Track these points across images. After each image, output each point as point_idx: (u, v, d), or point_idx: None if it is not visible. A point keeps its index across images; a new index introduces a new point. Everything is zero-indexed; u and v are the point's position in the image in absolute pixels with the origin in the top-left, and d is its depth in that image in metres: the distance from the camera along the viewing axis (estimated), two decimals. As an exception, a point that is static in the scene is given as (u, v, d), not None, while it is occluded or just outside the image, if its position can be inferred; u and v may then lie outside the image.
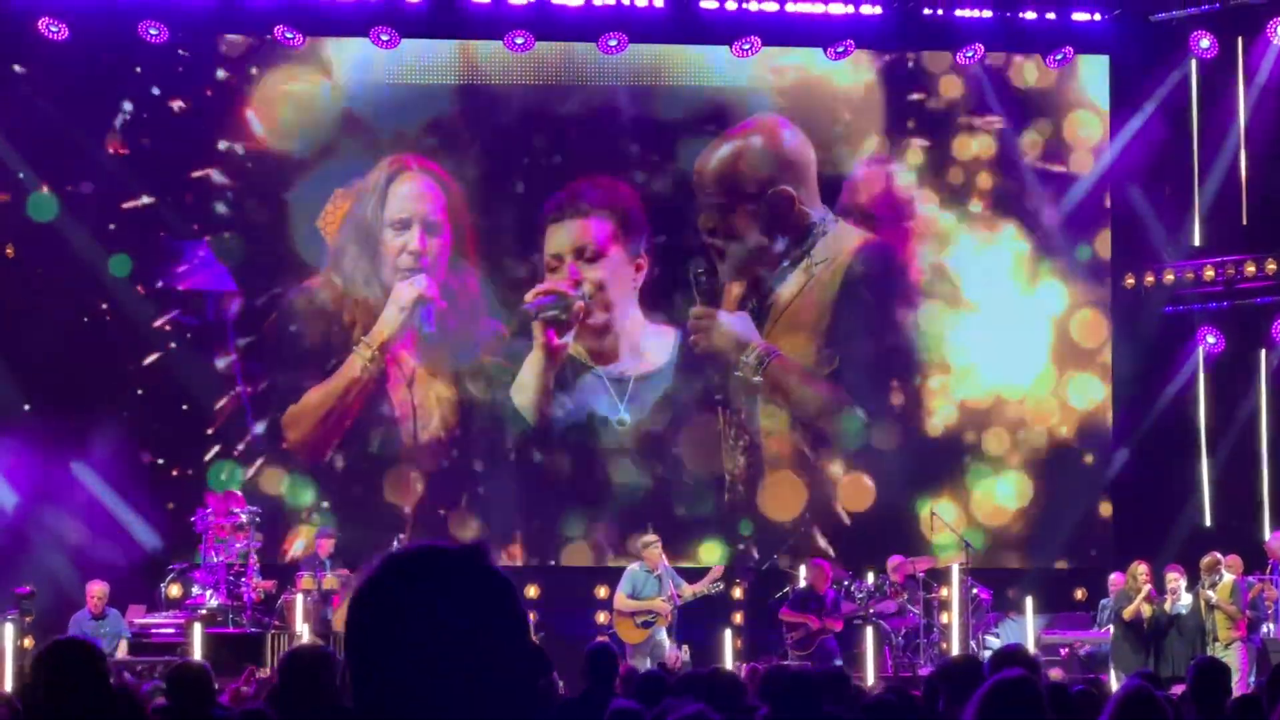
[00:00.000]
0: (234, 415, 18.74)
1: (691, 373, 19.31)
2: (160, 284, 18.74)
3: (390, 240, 19.01)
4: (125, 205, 18.56)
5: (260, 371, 18.83)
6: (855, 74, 19.59)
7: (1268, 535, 17.67)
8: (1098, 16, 19.39)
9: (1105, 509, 19.76)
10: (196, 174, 18.82)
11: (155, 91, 18.69)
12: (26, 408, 18.18)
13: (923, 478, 19.35)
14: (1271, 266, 19.06)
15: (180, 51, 18.54)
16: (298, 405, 18.81)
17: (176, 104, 18.72)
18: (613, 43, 18.85)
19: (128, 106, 18.62)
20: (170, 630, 15.82)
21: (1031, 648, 14.95)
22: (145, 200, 18.63)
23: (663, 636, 16.16)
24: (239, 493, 17.14)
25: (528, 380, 19.00)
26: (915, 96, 19.75)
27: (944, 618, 17.60)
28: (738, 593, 18.54)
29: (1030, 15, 19.31)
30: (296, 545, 18.40)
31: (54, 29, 17.96)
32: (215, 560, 16.09)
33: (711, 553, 18.71)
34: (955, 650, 16.22)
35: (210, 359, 18.78)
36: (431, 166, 19.16)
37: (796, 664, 14.28)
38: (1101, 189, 19.85)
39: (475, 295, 19.12)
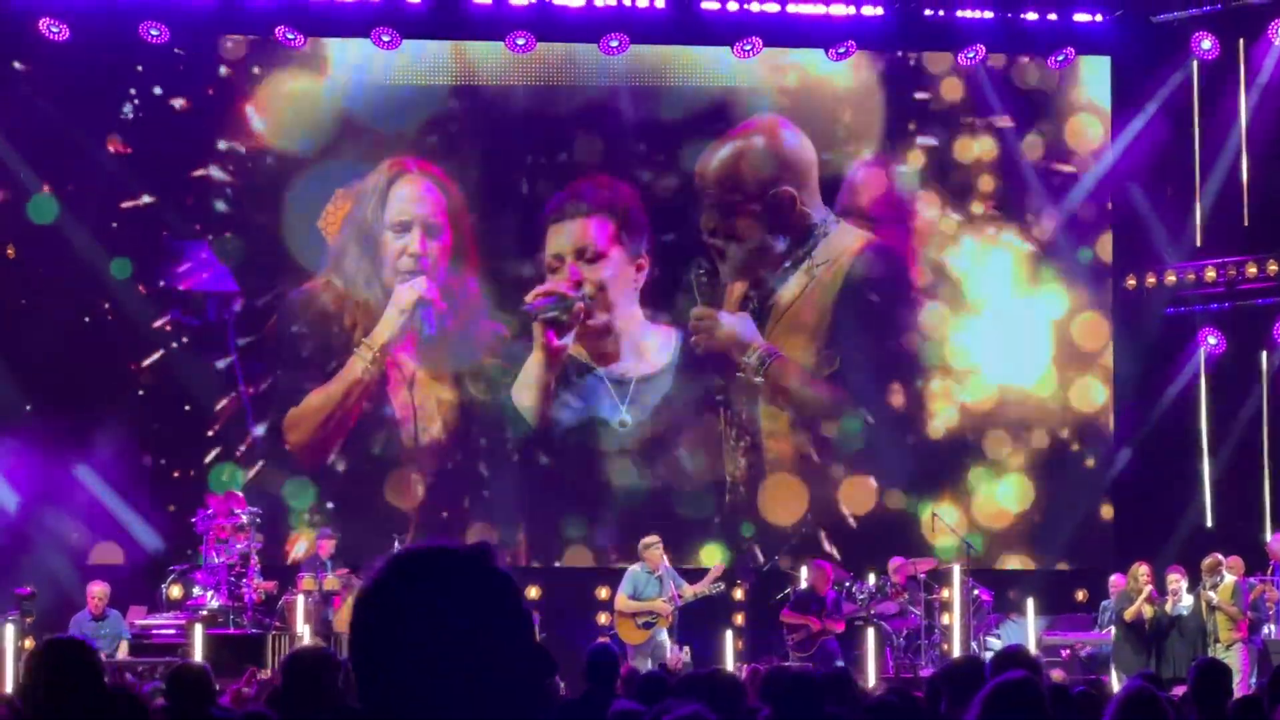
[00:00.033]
0: (235, 416, 18.73)
1: (692, 374, 19.29)
2: (161, 284, 18.74)
3: (390, 243, 19.00)
4: (125, 205, 18.56)
5: (261, 372, 18.82)
6: (857, 75, 19.58)
7: (1269, 536, 17.66)
8: (1099, 17, 19.37)
9: (1106, 510, 19.74)
10: (197, 174, 18.82)
11: (156, 91, 18.69)
12: (28, 408, 18.18)
13: (924, 479, 19.34)
14: (1273, 267, 19.04)
15: (179, 51, 18.52)
16: (299, 408, 18.79)
17: (177, 103, 18.73)
18: (614, 43, 18.84)
19: (128, 106, 18.62)
20: (171, 631, 15.80)
21: (1033, 649, 14.91)
22: (146, 200, 18.63)
23: (664, 637, 16.13)
24: (239, 493, 17.12)
25: (529, 382, 18.98)
26: (917, 97, 19.73)
27: (945, 619, 17.58)
28: (739, 594, 18.53)
29: (1032, 16, 19.30)
30: (298, 546, 18.39)
31: (55, 29, 17.96)
32: (216, 561, 16.06)
33: (713, 555, 18.66)
34: (956, 651, 16.20)
35: (211, 360, 18.77)
36: (431, 169, 19.15)
37: (798, 665, 14.25)
38: (1103, 190, 19.84)
39: (475, 297, 19.11)
